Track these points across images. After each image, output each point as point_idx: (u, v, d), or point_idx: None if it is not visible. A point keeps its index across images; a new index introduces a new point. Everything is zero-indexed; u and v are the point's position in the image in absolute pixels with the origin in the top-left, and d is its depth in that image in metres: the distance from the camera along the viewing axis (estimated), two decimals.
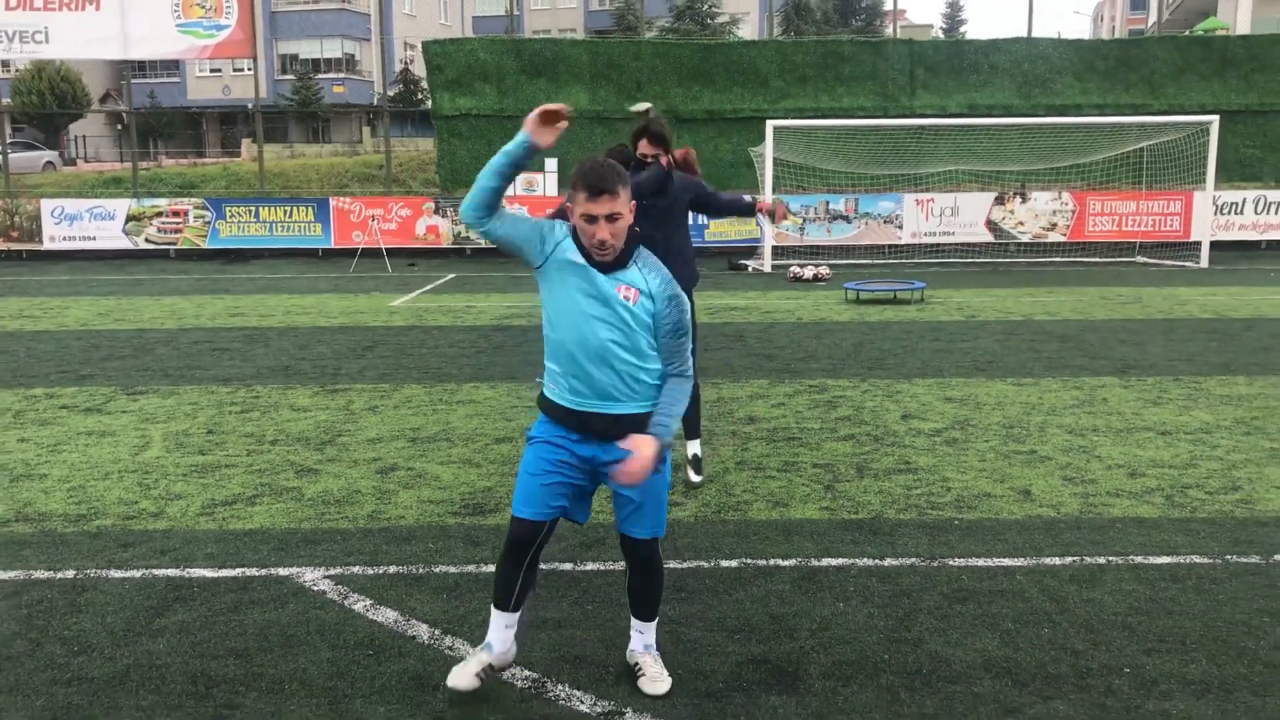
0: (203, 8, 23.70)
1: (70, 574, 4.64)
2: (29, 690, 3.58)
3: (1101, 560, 4.70)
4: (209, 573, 4.63)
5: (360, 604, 4.27)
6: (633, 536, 3.51)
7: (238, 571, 4.64)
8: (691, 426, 5.93)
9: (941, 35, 57.01)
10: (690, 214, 5.85)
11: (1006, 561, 4.68)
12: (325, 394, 8.49)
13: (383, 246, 21.49)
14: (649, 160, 5.61)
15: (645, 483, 3.33)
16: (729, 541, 4.96)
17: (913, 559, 4.72)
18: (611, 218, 3.24)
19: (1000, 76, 24.12)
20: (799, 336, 11.44)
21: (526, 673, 3.67)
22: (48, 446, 6.87)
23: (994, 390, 8.42)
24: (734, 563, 4.69)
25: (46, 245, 23.19)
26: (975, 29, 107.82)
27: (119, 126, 50.14)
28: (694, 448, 5.98)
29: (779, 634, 3.95)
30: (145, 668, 3.73)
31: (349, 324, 12.73)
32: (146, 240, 23.19)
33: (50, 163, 38.42)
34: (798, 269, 18.16)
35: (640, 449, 3.20)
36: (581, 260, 3.32)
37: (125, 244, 23.18)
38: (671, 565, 4.57)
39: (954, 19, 59.79)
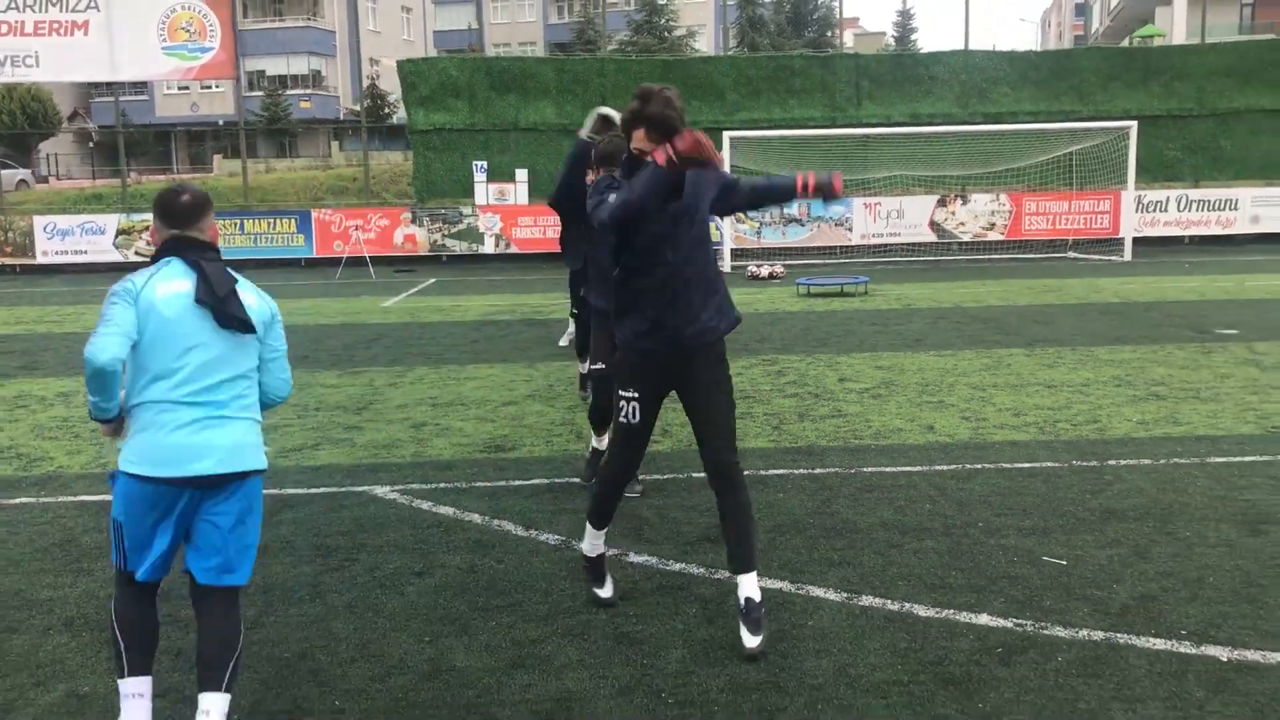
0: (187, 31, 24.94)
1: None
2: None
3: (978, 466, 6.22)
4: (302, 490, 6.04)
5: (424, 504, 5.70)
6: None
7: (323, 490, 6.05)
8: (743, 553, 4.05)
9: (893, 43, 59.08)
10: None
11: (907, 469, 6.20)
12: (348, 375, 9.88)
13: (366, 254, 22.83)
14: (649, 158, 3.82)
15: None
16: (696, 462, 6.35)
17: (836, 469, 6.23)
18: None
19: (940, 87, 25.85)
20: (755, 323, 12.95)
21: (557, 536, 5.12)
22: None
23: (917, 360, 9.96)
24: (700, 475, 6.11)
25: (39, 260, 24.33)
26: (925, 37, 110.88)
27: (89, 144, 50.98)
28: (747, 586, 3.98)
29: None
30: (278, 542, 5.14)
31: (350, 322, 14.09)
32: (136, 253, 24.35)
33: (23, 180, 39.33)
34: (755, 268, 19.72)
35: None
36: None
37: (116, 257, 24.34)
38: (654, 477, 6.07)
39: (905, 27, 61.94)
